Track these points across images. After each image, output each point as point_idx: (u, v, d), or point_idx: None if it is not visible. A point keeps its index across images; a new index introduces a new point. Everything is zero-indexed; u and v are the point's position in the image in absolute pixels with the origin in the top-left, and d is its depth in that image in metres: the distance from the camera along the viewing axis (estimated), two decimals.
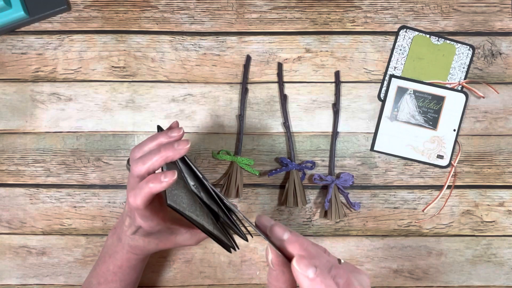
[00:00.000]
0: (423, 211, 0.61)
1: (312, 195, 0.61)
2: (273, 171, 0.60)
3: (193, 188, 0.42)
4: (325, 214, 0.60)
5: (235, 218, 0.45)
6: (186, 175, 0.43)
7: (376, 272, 0.61)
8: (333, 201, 0.59)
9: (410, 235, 0.61)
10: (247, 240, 0.44)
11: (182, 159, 0.45)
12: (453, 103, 0.56)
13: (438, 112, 0.57)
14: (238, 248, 0.46)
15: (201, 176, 0.43)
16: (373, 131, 0.61)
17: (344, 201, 0.60)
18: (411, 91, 0.58)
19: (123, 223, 0.50)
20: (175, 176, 0.41)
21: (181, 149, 0.42)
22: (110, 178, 0.61)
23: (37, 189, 0.61)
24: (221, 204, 0.44)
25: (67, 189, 0.61)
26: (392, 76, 0.58)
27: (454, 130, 0.56)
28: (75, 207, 0.61)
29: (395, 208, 0.61)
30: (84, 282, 0.54)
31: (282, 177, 0.61)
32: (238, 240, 0.46)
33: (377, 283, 0.61)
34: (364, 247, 0.61)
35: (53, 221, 0.61)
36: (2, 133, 0.61)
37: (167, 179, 0.41)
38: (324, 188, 0.61)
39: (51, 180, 0.61)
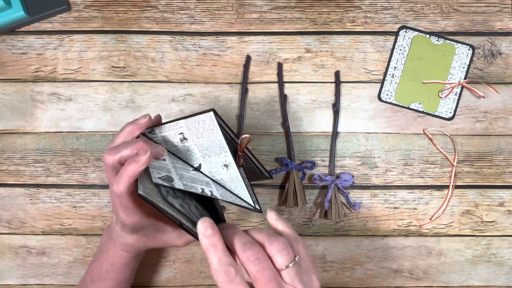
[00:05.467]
0: (430, 219, 0.60)
1: (312, 195, 0.61)
2: (273, 171, 0.60)
3: (159, 181, 0.43)
4: (325, 214, 0.60)
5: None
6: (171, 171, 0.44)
7: (376, 272, 0.61)
8: (333, 201, 0.59)
9: (410, 235, 0.61)
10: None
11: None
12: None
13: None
14: None
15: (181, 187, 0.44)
16: (373, 131, 0.61)
17: (344, 201, 0.60)
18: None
19: (112, 220, 0.50)
20: (148, 153, 0.42)
21: (139, 161, 0.42)
22: None
23: (37, 189, 0.61)
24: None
25: (67, 189, 0.61)
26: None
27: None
28: (75, 207, 0.61)
29: (395, 208, 0.61)
30: (80, 281, 0.54)
31: (282, 177, 0.61)
32: None
33: (377, 283, 0.61)
34: (364, 247, 0.61)
35: (53, 221, 0.61)
36: (2, 133, 0.61)
37: (142, 157, 0.42)
38: (324, 188, 0.61)
39: (51, 180, 0.61)
